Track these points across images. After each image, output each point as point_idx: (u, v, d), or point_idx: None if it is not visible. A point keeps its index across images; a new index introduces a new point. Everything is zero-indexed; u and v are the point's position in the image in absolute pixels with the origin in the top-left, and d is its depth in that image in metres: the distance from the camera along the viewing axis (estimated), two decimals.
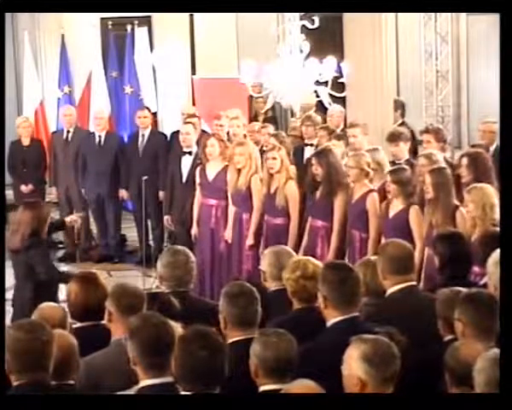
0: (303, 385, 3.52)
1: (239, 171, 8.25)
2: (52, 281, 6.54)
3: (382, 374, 3.59)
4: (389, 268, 4.91)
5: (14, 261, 6.75)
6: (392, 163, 7.99)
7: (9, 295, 7.63)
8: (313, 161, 7.74)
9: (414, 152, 9.14)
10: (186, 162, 9.44)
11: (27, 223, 6.54)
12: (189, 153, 9.43)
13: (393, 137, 8.36)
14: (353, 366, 3.62)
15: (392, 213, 7.07)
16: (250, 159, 8.23)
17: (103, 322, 4.55)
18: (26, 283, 6.60)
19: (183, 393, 3.53)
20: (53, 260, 6.84)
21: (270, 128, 9.72)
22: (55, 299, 6.17)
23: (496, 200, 6.18)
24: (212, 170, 8.61)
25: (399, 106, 10.72)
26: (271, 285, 5.24)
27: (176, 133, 9.99)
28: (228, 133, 9.62)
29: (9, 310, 7.00)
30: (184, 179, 9.43)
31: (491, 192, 6.30)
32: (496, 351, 3.51)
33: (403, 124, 10.32)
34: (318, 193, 7.67)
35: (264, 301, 4.46)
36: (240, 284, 4.45)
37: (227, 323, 4.26)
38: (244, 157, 8.20)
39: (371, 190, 7.41)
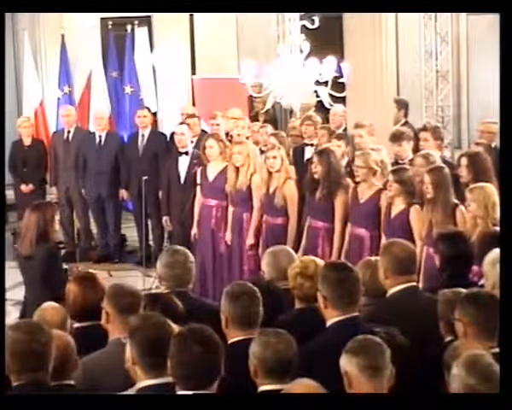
0: (304, 385, 3.52)
1: (238, 170, 8.25)
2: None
3: (364, 362, 3.59)
4: (393, 268, 4.89)
5: (25, 267, 6.42)
6: (396, 163, 7.99)
7: (9, 295, 7.64)
8: (314, 159, 7.76)
9: (416, 151, 9.13)
10: (183, 163, 9.44)
11: (33, 226, 6.25)
12: (186, 153, 9.44)
13: (396, 138, 8.37)
14: (342, 363, 3.66)
15: (393, 213, 7.08)
16: (249, 157, 8.23)
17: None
18: (37, 290, 6.23)
19: (182, 393, 3.51)
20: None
21: (269, 128, 9.72)
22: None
23: (497, 199, 6.19)
24: (212, 170, 8.60)
25: (403, 106, 10.67)
26: None
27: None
28: (227, 133, 9.62)
29: (9, 310, 6.98)
30: (183, 180, 9.43)
31: (493, 191, 6.30)
32: (471, 354, 3.50)
33: (406, 123, 10.31)
34: (318, 193, 7.67)
35: (274, 298, 4.48)
36: (242, 284, 4.43)
37: (228, 322, 4.25)
38: (242, 156, 8.21)
39: (382, 189, 7.40)
